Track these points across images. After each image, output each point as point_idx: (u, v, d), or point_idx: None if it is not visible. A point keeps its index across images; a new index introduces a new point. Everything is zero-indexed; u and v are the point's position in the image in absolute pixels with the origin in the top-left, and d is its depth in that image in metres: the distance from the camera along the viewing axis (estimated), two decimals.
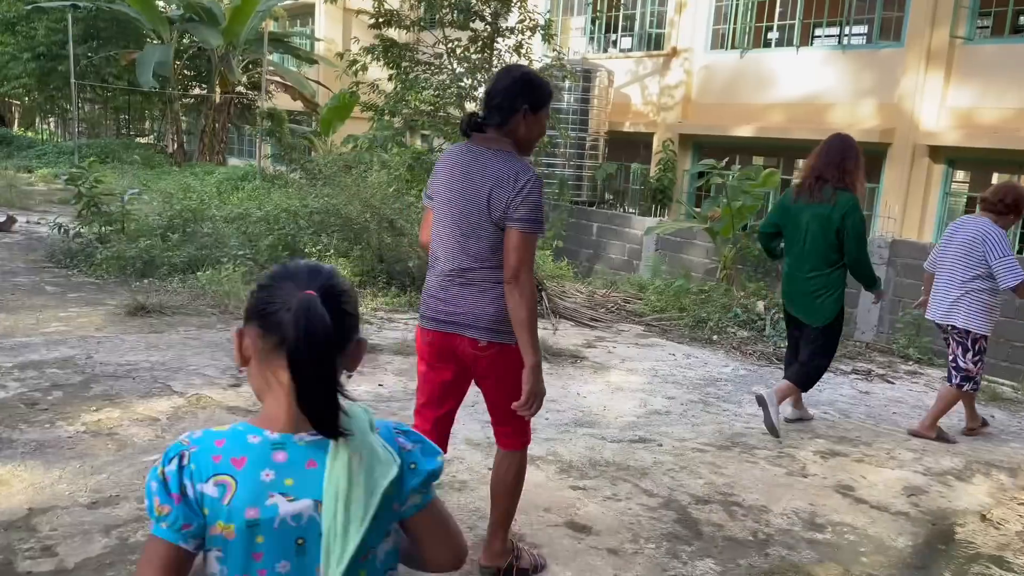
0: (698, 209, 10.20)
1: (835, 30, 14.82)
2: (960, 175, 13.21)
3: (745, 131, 14.33)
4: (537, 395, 2.51)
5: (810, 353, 4.68)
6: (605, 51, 17.98)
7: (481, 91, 12.42)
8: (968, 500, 3.97)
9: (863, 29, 14.20)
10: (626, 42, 17.71)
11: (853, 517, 3.66)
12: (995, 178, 13.66)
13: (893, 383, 6.36)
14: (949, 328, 4.79)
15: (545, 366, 5.81)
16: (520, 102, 2.54)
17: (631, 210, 15.74)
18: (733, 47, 15.10)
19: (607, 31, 18.06)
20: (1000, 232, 4.63)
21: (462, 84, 11.73)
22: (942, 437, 4.84)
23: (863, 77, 13.19)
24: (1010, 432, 5.27)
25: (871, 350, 7.71)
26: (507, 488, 2.75)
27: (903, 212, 12.54)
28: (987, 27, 12.93)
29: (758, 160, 15.43)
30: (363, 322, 6.70)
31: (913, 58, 12.34)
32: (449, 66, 12.14)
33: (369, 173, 8.29)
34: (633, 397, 5.26)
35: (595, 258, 12.66)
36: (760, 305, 7.84)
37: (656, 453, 4.23)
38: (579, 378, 5.64)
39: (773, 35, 15.14)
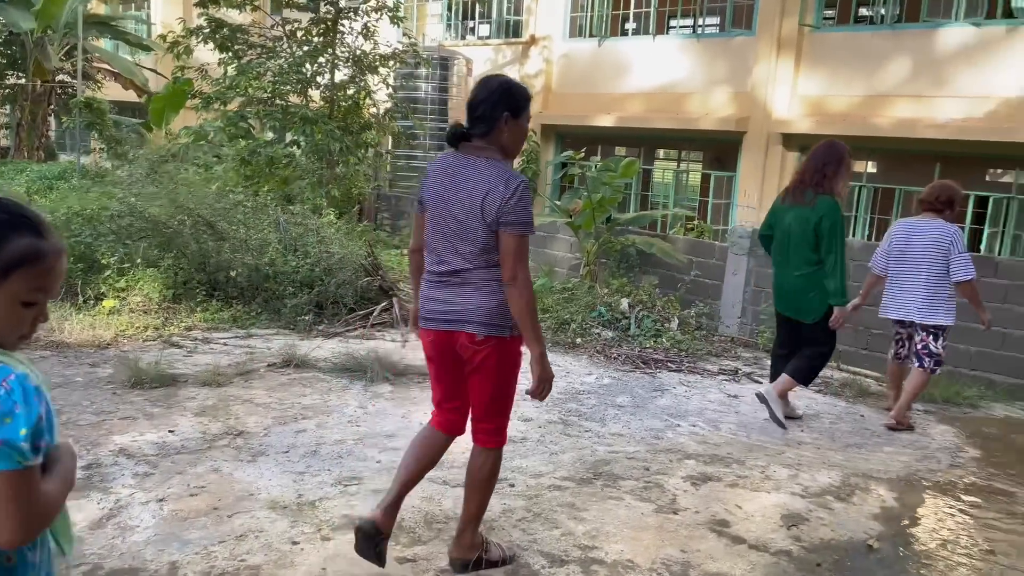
0: (558, 203, 9.66)
1: (690, 19, 14.78)
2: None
3: (606, 121, 14.05)
4: (546, 380, 2.72)
5: (811, 348, 4.86)
6: (463, 38, 17.29)
7: (326, 77, 11.48)
8: (852, 527, 3.56)
9: (716, 20, 14.21)
10: (484, 29, 17.09)
11: (731, 564, 3.13)
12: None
13: (760, 382, 6.02)
14: (921, 325, 5.09)
15: (385, 390, 5.12)
16: (500, 110, 2.67)
17: None
18: (591, 35, 14.78)
19: (464, 17, 17.37)
20: (957, 231, 5.04)
21: (303, 70, 10.71)
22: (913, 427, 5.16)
23: (718, 66, 13.15)
24: (882, 434, 5.00)
25: (736, 344, 7.44)
26: (481, 484, 2.84)
27: (760, 201, 12.59)
28: (832, 18, 13.19)
29: (621, 150, 15.24)
30: (172, 345, 5.71)
31: (764, 46, 12.38)
32: (288, 50, 11.08)
33: (187, 168, 7.19)
34: None
35: None
36: (624, 303, 7.39)
37: (506, 497, 3.57)
38: (424, 402, 4.89)
39: (631, 24, 14.93)
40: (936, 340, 5.10)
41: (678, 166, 15.20)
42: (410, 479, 2.85)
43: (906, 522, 3.68)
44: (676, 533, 3.36)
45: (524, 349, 2.77)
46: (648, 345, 6.77)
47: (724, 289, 8.77)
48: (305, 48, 10.78)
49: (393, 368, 5.32)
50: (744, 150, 12.84)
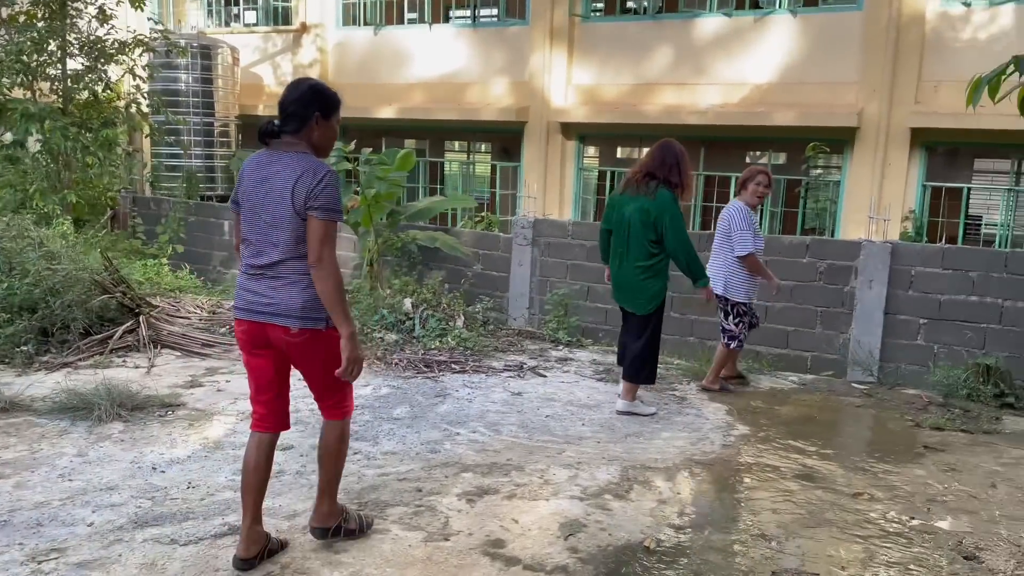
0: None
1: (468, 8, 14.61)
2: (591, 150, 13.81)
3: (388, 112, 13.55)
4: (355, 361, 2.77)
5: (636, 342, 4.96)
6: (228, 25, 16.02)
7: (58, 68, 10.02)
8: (630, 527, 3.40)
9: (494, 10, 14.16)
10: (250, 16, 15.93)
11: None
12: (619, 152, 14.57)
13: (545, 376, 5.88)
14: (718, 297, 5.57)
15: (115, 430, 4.36)
16: (311, 110, 2.81)
17: None
18: (366, 23, 14.20)
19: (228, 3, 16.09)
20: (741, 208, 5.52)
21: (26, 59, 9.25)
22: (724, 388, 5.73)
23: (496, 55, 13.09)
24: (661, 419, 4.98)
25: (522, 337, 7.30)
26: (332, 454, 3.00)
27: (544, 190, 12.71)
28: (600, 8, 13.57)
29: (411, 143, 14.83)
30: None
31: (538, 36, 12.46)
32: (7, 36, 9.54)
33: None
34: (235, 457, 3.99)
35: (231, 262, 10.97)
36: (407, 303, 6.99)
37: None
38: (163, 440, 4.21)
39: (414, 12, 14.50)
40: (727, 316, 5.63)
41: (468, 157, 15.06)
42: (259, 497, 2.93)
43: (682, 514, 3.58)
44: (445, 564, 3.01)
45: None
46: (433, 346, 6.43)
47: (511, 281, 8.64)
48: (28, 34, 9.31)
49: (129, 401, 4.55)
50: (526, 140, 12.90)
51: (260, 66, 15.30)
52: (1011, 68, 3.31)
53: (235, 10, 16.15)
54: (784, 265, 7.32)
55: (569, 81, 12.48)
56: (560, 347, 6.96)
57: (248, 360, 2.92)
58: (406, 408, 4.89)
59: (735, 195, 5.82)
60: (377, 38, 14.07)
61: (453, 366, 5.88)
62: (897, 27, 10.12)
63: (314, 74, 14.35)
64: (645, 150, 13.68)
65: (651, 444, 4.48)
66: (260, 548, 2.89)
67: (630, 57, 12.00)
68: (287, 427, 3.02)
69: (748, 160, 13.39)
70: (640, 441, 4.52)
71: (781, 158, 13.09)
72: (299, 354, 2.82)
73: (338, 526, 3.04)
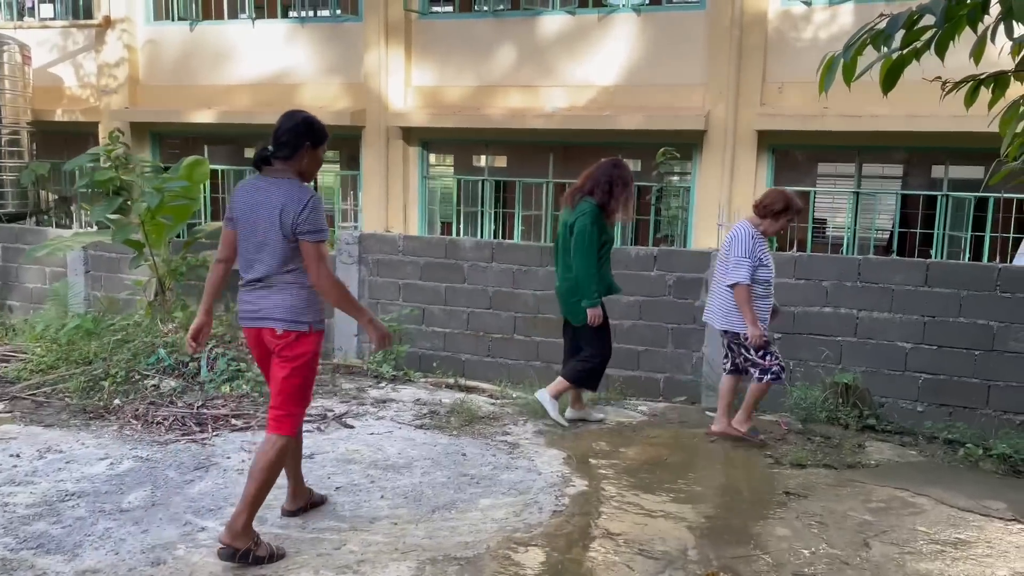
0: (112, 216, 7.48)
1: (296, 2, 13.35)
2: (437, 157, 12.90)
3: (207, 116, 12.11)
4: (383, 338, 3.21)
5: (584, 351, 4.96)
6: (20, 19, 13.97)
7: None
8: None
9: (325, 8, 12.99)
10: (46, 9, 13.98)
11: None
12: (474, 160, 13.72)
13: (352, 426, 4.85)
14: (720, 331, 4.94)
15: None
16: (304, 140, 3.10)
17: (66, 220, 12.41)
18: (180, 18, 12.68)
19: None
20: (747, 232, 4.73)
21: None
22: (754, 435, 4.91)
23: (328, 54, 11.95)
24: (483, 479, 4.06)
25: (340, 374, 6.23)
26: (261, 469, 3.05)
27: (386, 200, 11.68)
28: (438, 4, 12.70)
29: (251, 149, 13.38)
30: None
31: (372, 33, 11.43)
32: None
33: None
34: None
35: (6, 291, 9.23)
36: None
37: None
38: None
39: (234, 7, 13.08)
40: (746, 350, 4.83)
41: None
42: (296, 464, 3.43)
43: None
44: None
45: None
46: (222, 393, 5.26)
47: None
48: None
49: None
50: (365, 146, 11.82)
51: (58, 66, 13.42)
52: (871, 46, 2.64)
53: (28, 2, 14.13)
54: (633, 279, 6.64)
55: (408, 82, 11.52)
56: (382, 384, 5.95)
57: (261, 366, 3.28)
58: (146, 491, 3.72)
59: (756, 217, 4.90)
60: (193, 35, 12.59)
61: (234, 421, 4.74)
62: (740, 27, 9.81)
63: (122, 74, 12.72)
64: (498, 157, 12.91)
65: (464, 520, 3.54)
66: (304, 502, 3.49)
67: (472, 57, 11.19)
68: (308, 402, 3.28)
69: None
70: (451, 516, 3.58)
71: (635, 164, 12.66)
72: (279, 352, 3.08)
73: (247, 550, 3.03)
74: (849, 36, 2.67)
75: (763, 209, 4.80)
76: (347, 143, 12.39)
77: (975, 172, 11.35)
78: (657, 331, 6.60)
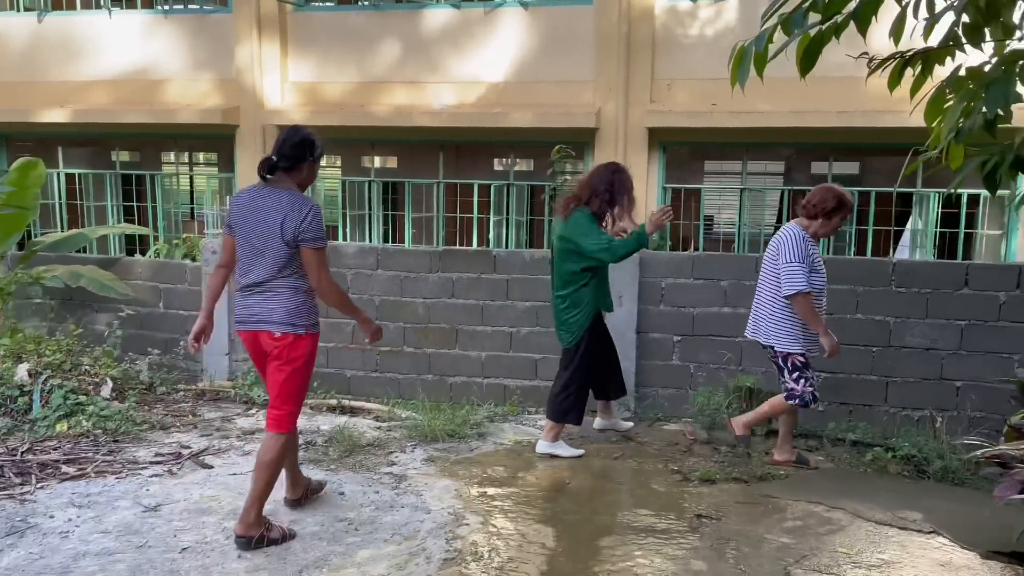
0: None
1: None
2: (334, 159, 12.18)
3: (59, 116, 10.95)
4: (375, 332, 3.57)
5: (559, 378, 4.67)
6: None
7: None
8: None
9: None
10: None
11: None
12: (364, 160, 13.03)
13: (212, 466, 4.22)
14: (764, 346, 4.46)
15: None
16: (307, 154, 3.32)
17: None
18: (27, 8, 11.45)
19: None
20: (798, 234, 4.24)
21: None
22: (801, 460, 4.51)
23: (196, 48, 11.02)
24: (365, 523, 3.54)
25: (204, 400, 5.55)
26: (265, 466, 3.28)
27: None
28: None
29: (125, 155, 12.20)
30: None
31: (244, 25, 10.62)
32: None
33: None
34: None
35: None
36: (22, 371, 4.96)
37: None
38: None
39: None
40: (781, 372, 4.37)
41: (178, 169, 12.76)
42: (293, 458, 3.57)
43: None
44: None
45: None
46: (56, 432, 4.50)
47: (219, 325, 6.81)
48: None
49: None
50: (239, 147, 10.97)
51: None
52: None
53: None
54: (528, 283, 6.26)
55: (285, 78, 10.77)
56: (253, 410, 5.32)
57: (258, 366, 3.44)
58: None
59: (801, 215, 4.41)
60: (42, 26, 11.38)
61: (65, 468, 4.01)
62: (628, 22, 9.62)
63: None
64: (386, 158, 12.28)
65: None
66: (303, 490, 3.66)
67: (354, 52, 10.56)
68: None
69: (501, 166, 12.48)
70: (322, 574, 3.05)
71: (528, 164, 12.34)
72: (276, 354, 3.25)
73: (261, 536, 3.26)
74: (735, 33, 2.38)
75: (814, 209, 4.27)
76: (220, 143, 11.51)
77: (856, 168, 11.65)
78: (554, 338, 6.22)
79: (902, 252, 9.62)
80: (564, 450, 4.63)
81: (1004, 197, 8.93)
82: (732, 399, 5.27)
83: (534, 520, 3.61)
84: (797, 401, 4.35)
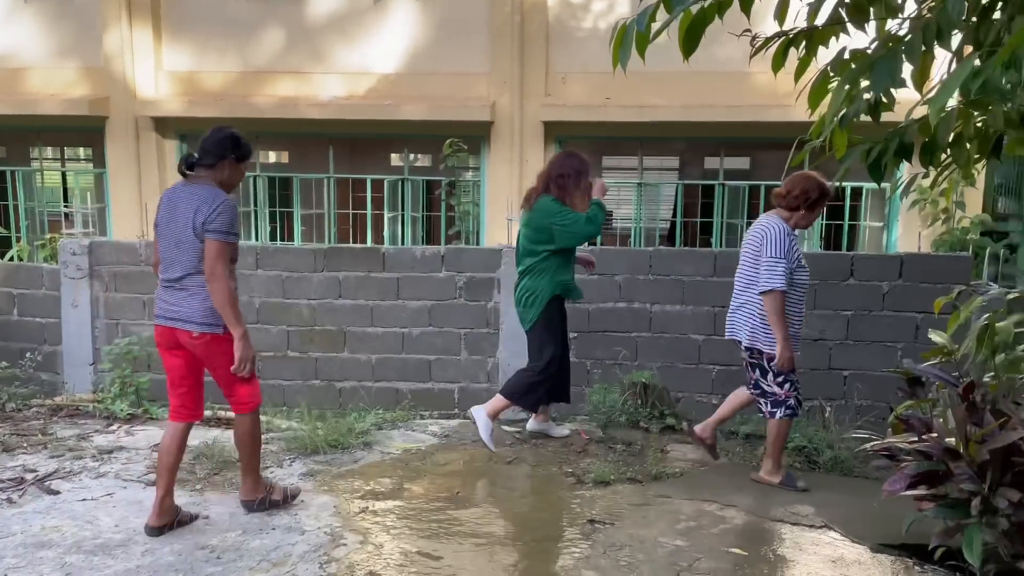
0: None
1: None
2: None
3: None
4: (247, 359, 3.32)
5: (535, 365, 4.56)
6: None
7: None
8: None
9: None
10: None
11: None
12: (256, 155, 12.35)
13: (58, 492, 3.77)
14: (741, 348, 4.10)
15: None
16: (229, 152, 3.35)
17: None
18: None
19: None
20: (782, 229, 3.92)
21: None
22: (790, 483, 4.05)
23: (60, 34, 10.19)
24: (229, 549, 3.20)
25: (60, 416, 5.03)
26: (245, 443, 3.47)
27: (140, 202, 10.17)
28: None
29: None
30: None
31: (112, 10, 9.88)
32: None
33: None
34: None
35: None
36: None
37: None
38: None
39: None
40: (764, 375, 4.00)
41: (43, 164, 11.80)
42: (171, 476, 3.36)
43: None
44: None
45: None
46: None
47: (64, 330, 6.23)
48: None
49: None
50: (110, 140, 10.22)
51: None
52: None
53: None
54: (420, 281, 6.01)
55: (160, 66, 10.10)
56: (114, 426, 4.85)
57: (165, 359, 3.41)
58: None
59: (776, 206, 4.09)
60: None
61: None
62: (521, 13, 9.48)
63: None
64: (275, 152, 11.69)
65: None
66: (170, 518, 3.35)
67: (235, 39, 9.99)
68: (200, 418, 3.50)
69: (401, 161, 12.10)
70: None
71: (425, 159, 12.03)
72: (203, 355, 3.33)
73: (263, 498, 3.51)
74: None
75: (796, 200, 3.95)
76: (92, 137, 10.70)
77: (747, 163, 11.91)
78: (448, 338, 6.02)
79: None
80: (484, 429, 4.49)
81: (886, 190, 9.28)
82: (627, 395, 5.17)
83: (419, 535, 3.36)
84: (786, 412, 3.99)
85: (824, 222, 9.75)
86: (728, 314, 4.20)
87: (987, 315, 2.94)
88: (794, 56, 2.46)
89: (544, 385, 4.55)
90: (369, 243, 10.06)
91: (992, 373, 2.87)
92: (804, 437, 4.73)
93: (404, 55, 9.78)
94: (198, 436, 4.62)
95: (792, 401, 3.99)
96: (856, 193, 9.61)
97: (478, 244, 9.54)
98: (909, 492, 2.63)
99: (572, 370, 4.96)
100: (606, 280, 5.80)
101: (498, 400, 4.55)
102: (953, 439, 2.43)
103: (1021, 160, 10.35)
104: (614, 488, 3.98)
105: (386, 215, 10.30)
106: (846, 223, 9.42)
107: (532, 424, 4.90)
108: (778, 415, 4.00)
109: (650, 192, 10.72)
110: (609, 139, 10.36)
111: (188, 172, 3.34)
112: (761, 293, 3.86)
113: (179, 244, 3.25)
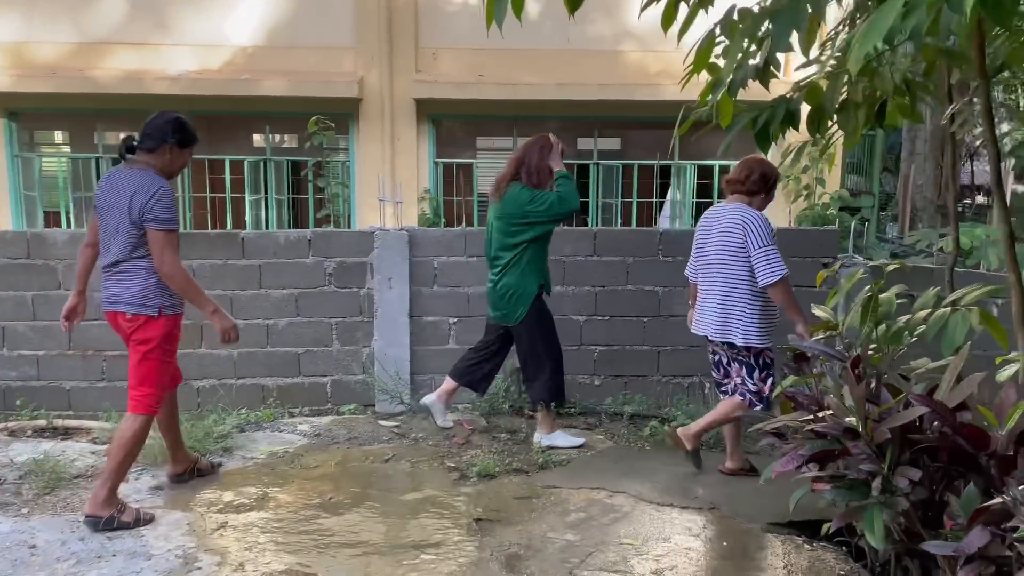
0: None
1: None
2: (40, 134, 10.40)
3: None
4: (229, 328, 3.38)
5: (527, 360, 4.38)
6: None
7: None
8: None
9: None
10: None
11: None
12: (96, 135, 11.27)
13: None
14: (724, 346, 3.88)
15: None
16: (170, 137, 3.33)
17: None
18: None
19: None
20: (758, 215, 3.76)
21: None
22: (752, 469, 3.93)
23: None
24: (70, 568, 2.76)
25: None
26: (122, 444, 3.26)
27: None
28: None
29: None
30: None
31: None
32: None
33: None
34: None
35: None
36: None
37: None
38: None
39: None
40: (750, 373, 3.82)
41: None
42: (173, 435, 3.63)
43: None
44: None
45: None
46: None
47: None
48: None
49: None
50: None
51: None
52: None
53: None
54: (285, 268, 5.56)
55: None
56: None
57: (127, 344, 3.36)
58: None
59: (731, 193, 3.88)
60: None
61: None
62: None
63: None
64: (119, 133, 10.66)
65: None
66: (189, 465, 3.69)
67: (68, 5, 9.02)
68: (179, 380, 3.63)
69: (264, 142, 11.35)
70: None
71: (291, 139, 11.38)
72: (131, 336, 3.28)
73: (111, 516, 3.19)
74: None
75: (756, 184, 3.80)
76: None
77: (618, 143, 11.98)
78: (319, 328, 5.61)
79: (664, 222, 10.01)
80: (563, 440, 4.35)
81: None
82: (511, 381, 4.97)
83: (287, 550, 3.03)
84: (762, 405, 3.85)
85: (695, 200, 9.94)
86: (697, 311, 4.00)
87: (868, 287, 2.91)
88: (682, 16, 2.28)
89: (561, 374, 4.41)
90: (229, 228, 9.39)
91: (874, 345, 2.86)
92: (686, 415, 4.70)
93: (262, 26, 9.14)
94: (29, 450, 4.05)
95: (767, 393, 3.86)
96: (725, 171, 9.85)
97: (350, 228, 9.10)
98: (807, 475, 2.56)
99: (452, 357, 4.71)
100: (483, 262, 5.57)
101: (544, 416, 4.38)
102: (851, 418, 2.37)
103: (869, 139, 10.94)
104: (500, 481, 3.77)
105: (248, 198, 9.65)
106: (715, 201, 9.63)
107: (429, 398, 4.67)
108: (758, 407, 3.87)
109: None
110: (484, 117, 10.13)
111: (128, 156, 3.29)
112: (768, 286, 3.65)
113: (116, 230, 3.24)
